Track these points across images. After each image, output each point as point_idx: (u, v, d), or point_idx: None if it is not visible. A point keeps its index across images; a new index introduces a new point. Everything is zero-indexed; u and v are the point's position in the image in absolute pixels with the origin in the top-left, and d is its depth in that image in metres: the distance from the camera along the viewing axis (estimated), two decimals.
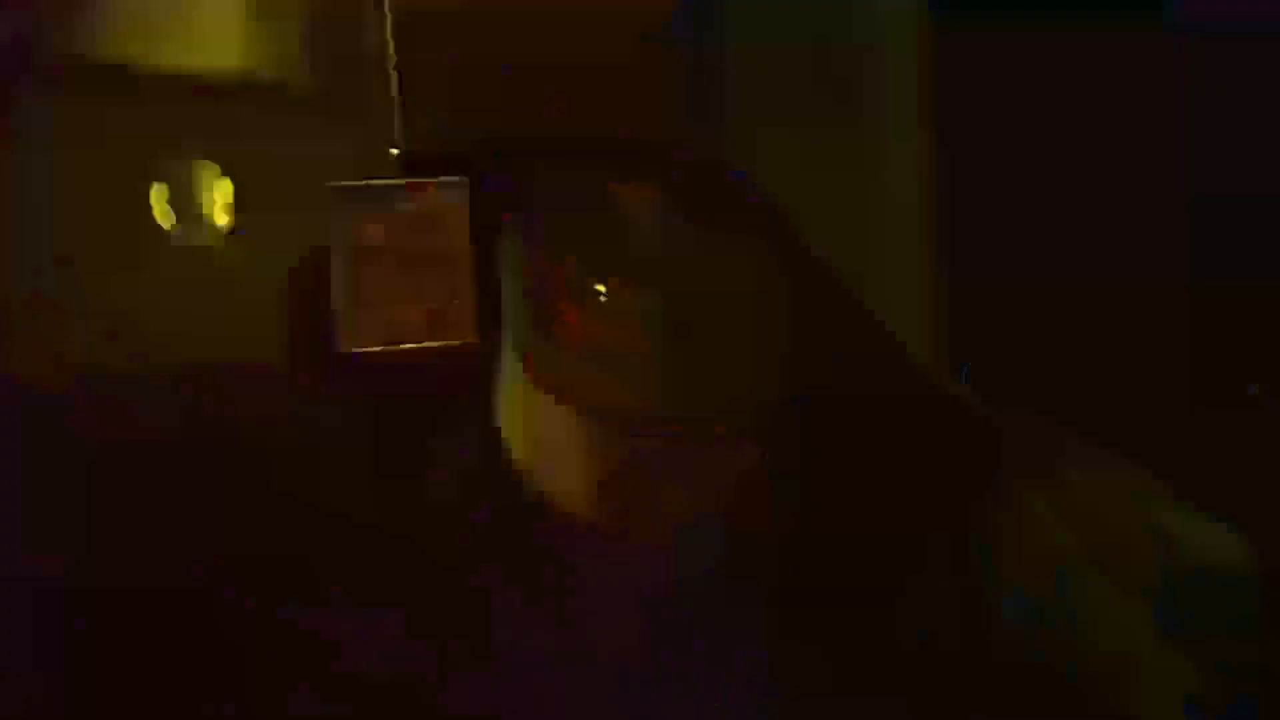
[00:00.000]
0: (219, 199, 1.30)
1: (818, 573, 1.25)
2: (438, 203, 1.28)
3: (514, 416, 1.27)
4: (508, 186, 1.26)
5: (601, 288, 1.21)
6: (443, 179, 1.28)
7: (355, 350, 1.27)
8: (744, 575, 1.25)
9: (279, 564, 1.25)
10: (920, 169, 1.33)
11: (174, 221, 1.29)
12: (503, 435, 1.27)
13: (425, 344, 1.28)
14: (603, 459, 1.22)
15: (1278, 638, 1.24)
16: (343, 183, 1.26)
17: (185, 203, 1.30)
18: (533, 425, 1.26)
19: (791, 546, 1.26)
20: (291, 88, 1.31)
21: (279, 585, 1.25)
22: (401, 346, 1.28)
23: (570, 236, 1.22)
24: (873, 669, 1.24)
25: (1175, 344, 1.34)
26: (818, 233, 1.25)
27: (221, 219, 1.30)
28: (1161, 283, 1.34)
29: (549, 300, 1.21)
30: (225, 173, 1.30)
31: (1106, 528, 1.28)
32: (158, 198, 1.29)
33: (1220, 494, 1.25)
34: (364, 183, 1.26)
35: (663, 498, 1.25)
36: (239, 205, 1.31)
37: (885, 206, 1.34)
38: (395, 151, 1.27)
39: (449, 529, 1.26)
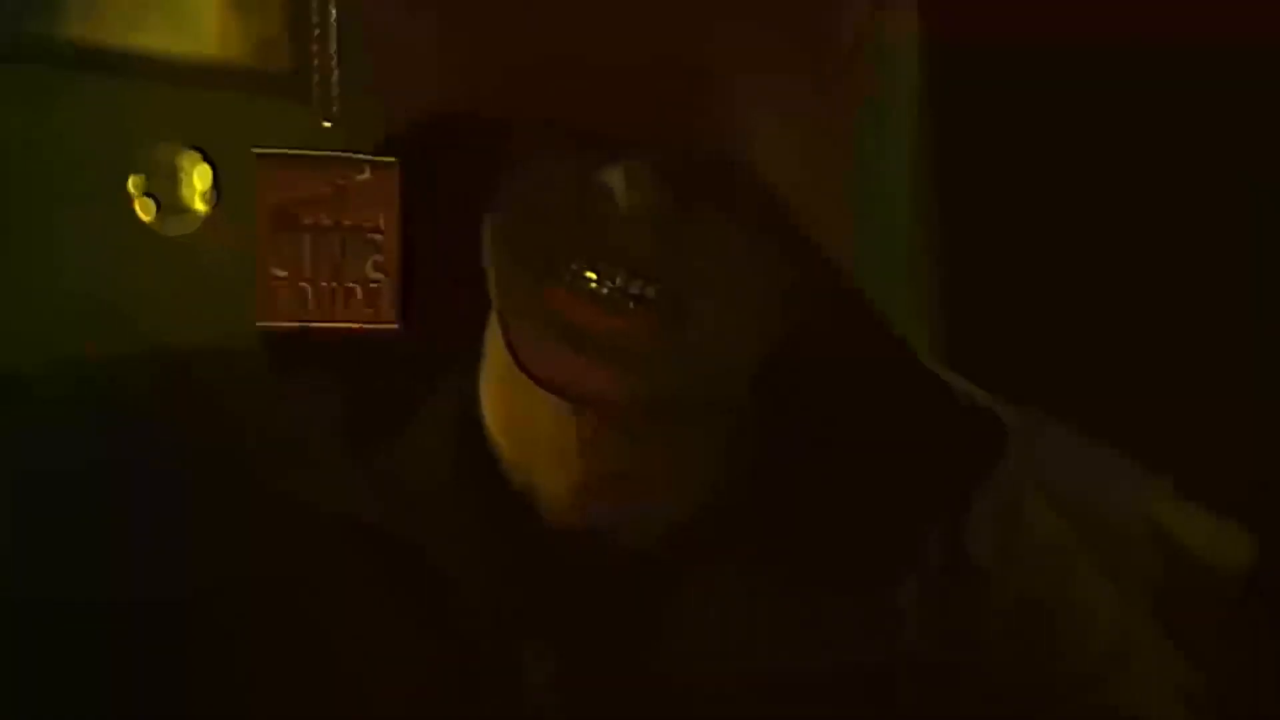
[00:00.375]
0: (199, 186, 1.31)
1: (803, 560, 1.22)
2: (368, 180, 1.25)
3: (499, 406, 1.23)
4: (470, 170, 1.22)
5: (592, 274, 1.15)
6: (375, 157, 1.25)
7: (269, 324, 1.24)
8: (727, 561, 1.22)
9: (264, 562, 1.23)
10: (917, 159, 1.29)
11: (154, 212, 1.31)
12: (488, 425, 1.23)
13: (344, 324, 1.25)
14: (593, 451, 1.19)
15: (1277, 636, 1.21)
16: (268, 149, 1.24)
17: (165, 191, 1.31)
18: (519, 415, 1.22)
19: (779, 533, 1.22)
20: (267, 69, 1.31)
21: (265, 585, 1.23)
22: (319, 324, 1.24)
23: (560, 221, 1.17)
24: (860, 659, 1.20)
25: (1178, 338, 1.30)
26: (814, 222, 1.20)
27: (201, 206, 1.31)
28: (1167, 275, 1.30)
29: (537, 286, 1.16)
30: (204, 159, 1.31)
31: (1104, 523, 1.25)
32: (136, 187, 1.31)
33: (1224, 492, 1.23)
34: (291, 151, 1.24)
35: (652, 491, 1.22)
36: (218, 191, 1.31)
37: (883, 197, 1.29)
38: (328, 124, 1.25)
39: (434, 524, 1.22)
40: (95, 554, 1.23)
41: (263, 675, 1.21)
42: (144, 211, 1.30)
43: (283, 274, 1.25)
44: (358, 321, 1.25)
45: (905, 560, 1.22)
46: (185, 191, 1.30)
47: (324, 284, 1.25)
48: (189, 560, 1.22)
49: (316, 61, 1.26)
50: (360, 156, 1.25)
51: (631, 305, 1.14)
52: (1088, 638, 1.23)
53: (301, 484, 1.23)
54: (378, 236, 1.25)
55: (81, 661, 1.21)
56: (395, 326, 1.25)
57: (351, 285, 1.25)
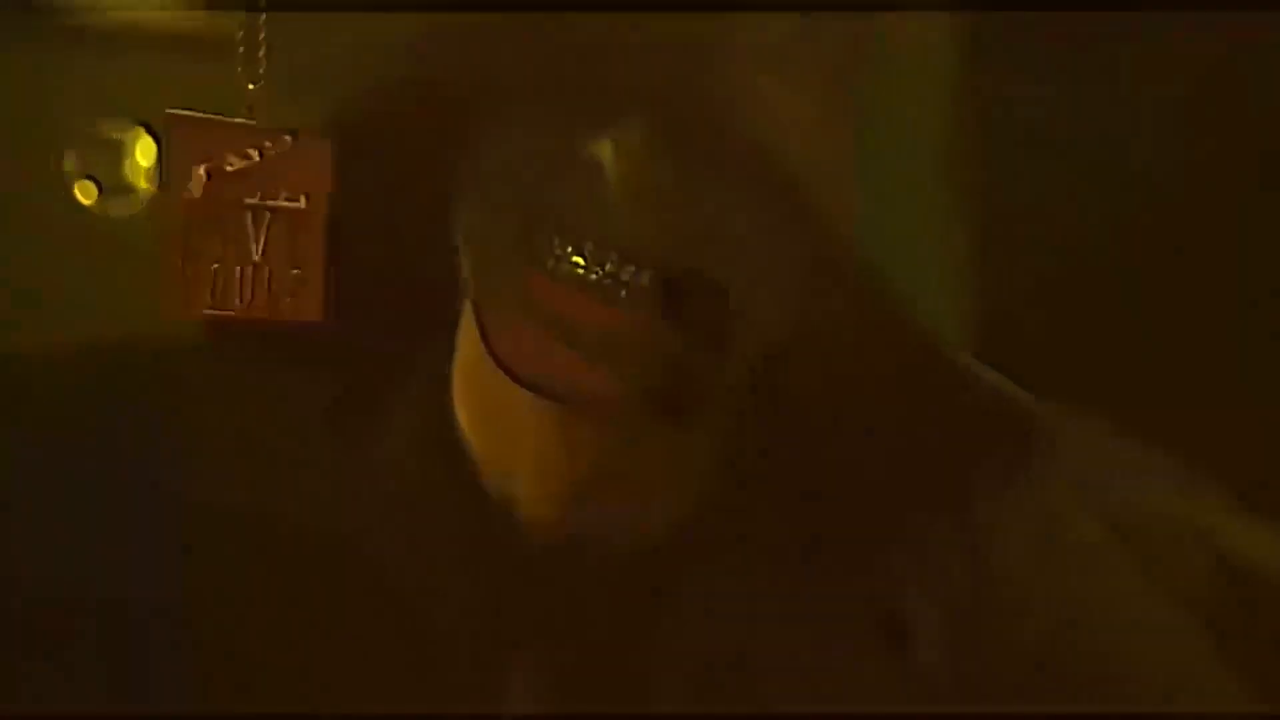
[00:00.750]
0: (142, 162, 1.18)
1: (808, 564, 1.16)
2: (292, 154, 1.12)
3: (473, 404, 1.13)
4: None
5: (580, 259, 1.05)
6: (303, 130, 1.11)
7: (177, 314, 1.11)
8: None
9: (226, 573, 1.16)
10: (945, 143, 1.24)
11: (95, 195, 1.18)
12: (460, 425, 1.14)
13: (261, 316, 1.12)
14: (579, 453, 1.10)
15: None
16: (183, 111, 1.11)
17: (105, 171, 1.19)
18: (495, 414, 1.12)
19: (783, 536, 1.16)
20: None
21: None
22: (230, 315, 1.11)
23: (542, 198, 1.06)
24: (867, 668, 1.15)
25: (1222, 333, 1.27)
26: (827, 200, 1.11)
27: (145, 185, 1.18)
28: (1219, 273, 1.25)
29: (516, 272, 1.06)
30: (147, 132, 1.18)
31: (1146, 530, 1.18)
32: (71, 167, 1.18)
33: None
34: (207, 116, 1.11)
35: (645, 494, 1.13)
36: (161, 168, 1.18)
37: (908, 181, 1.23)
38: (252, 86, 1.11)
39: (408, 534, 1.16)
40: (48, 555, 1.17)
41: (237, 687, 1.15)
42: (84, 195, 1.17)
43: (191, 255, 1.11)
44: (283, 315, 1.11)
45: (920, 565, 1.15)
46: (128, 170, 1.17)
47: (238, 268, 1.11)
48: (151, 569, 1.16)
49: (244, 18, 1.12)
50: (285, 129, 1.11)
51: (624, 294, 1.04)
52: (1126, 650, 1.16)
53: (266, 491, 1.16)
54: (301, 218, 1.11)
55: (44, 663, 1.16)
56: (318, 319, 1.11)
57: (277, 275, 1.11)
